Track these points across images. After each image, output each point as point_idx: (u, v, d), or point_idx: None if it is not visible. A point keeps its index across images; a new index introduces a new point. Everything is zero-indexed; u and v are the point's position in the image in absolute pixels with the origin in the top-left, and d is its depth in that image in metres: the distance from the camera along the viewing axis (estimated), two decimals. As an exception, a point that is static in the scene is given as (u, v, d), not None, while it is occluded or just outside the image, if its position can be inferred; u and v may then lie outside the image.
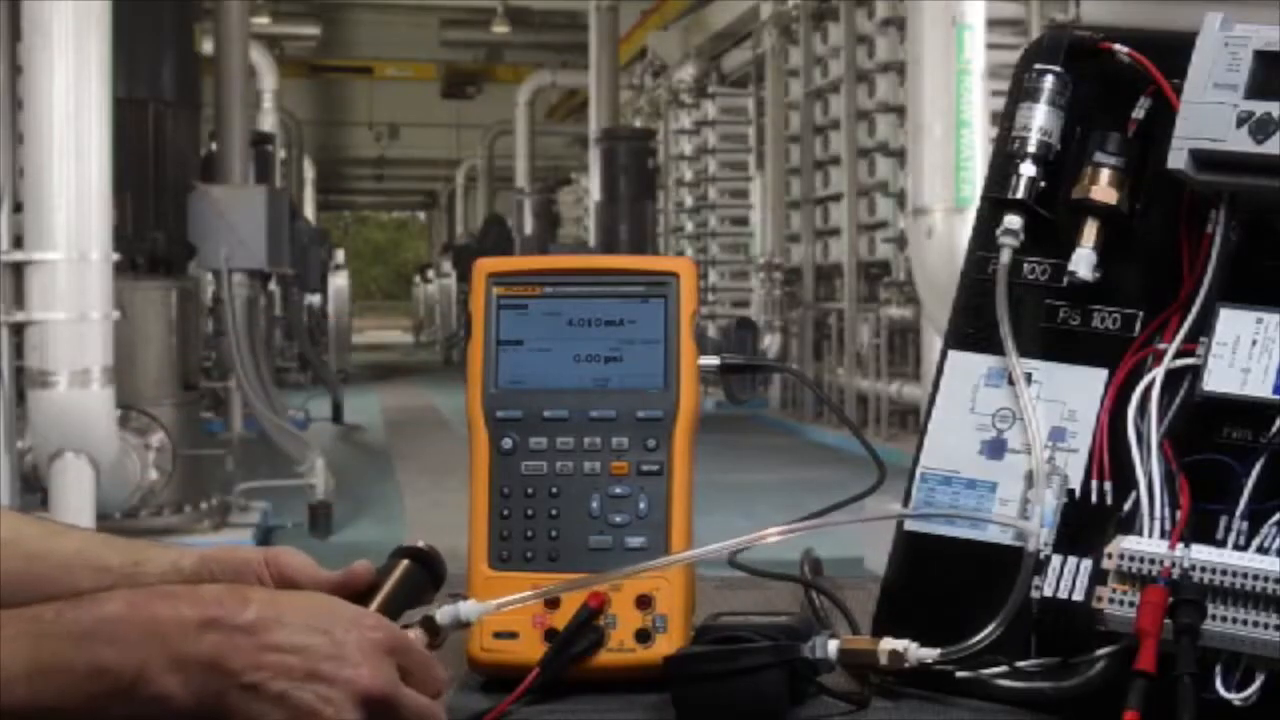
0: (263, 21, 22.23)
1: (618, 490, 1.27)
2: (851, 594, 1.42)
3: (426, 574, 1.20)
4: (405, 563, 1.19)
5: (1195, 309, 1.18)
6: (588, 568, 1.24)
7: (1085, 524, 1.18)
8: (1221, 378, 1.15)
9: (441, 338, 29.18)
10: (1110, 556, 1.13)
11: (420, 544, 1.22)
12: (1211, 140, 1.16)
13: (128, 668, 1.00)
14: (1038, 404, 1.23)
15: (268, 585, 1.16)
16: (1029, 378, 1.24)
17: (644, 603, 1.24)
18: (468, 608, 1.17)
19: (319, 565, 1.18)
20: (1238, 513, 1.12)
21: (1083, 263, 1.22)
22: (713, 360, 1.31)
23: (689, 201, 19.19)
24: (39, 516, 1.27)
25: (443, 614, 1.17)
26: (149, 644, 1.00)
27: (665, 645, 1.23)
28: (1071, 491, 1.20)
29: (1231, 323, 1.16)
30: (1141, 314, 1.22)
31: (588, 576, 1.23)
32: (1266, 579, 1.07)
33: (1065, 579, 1.17)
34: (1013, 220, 1.25)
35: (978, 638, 1.17)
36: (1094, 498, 1.19)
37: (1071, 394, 1.23)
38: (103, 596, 1.03)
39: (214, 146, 11.08)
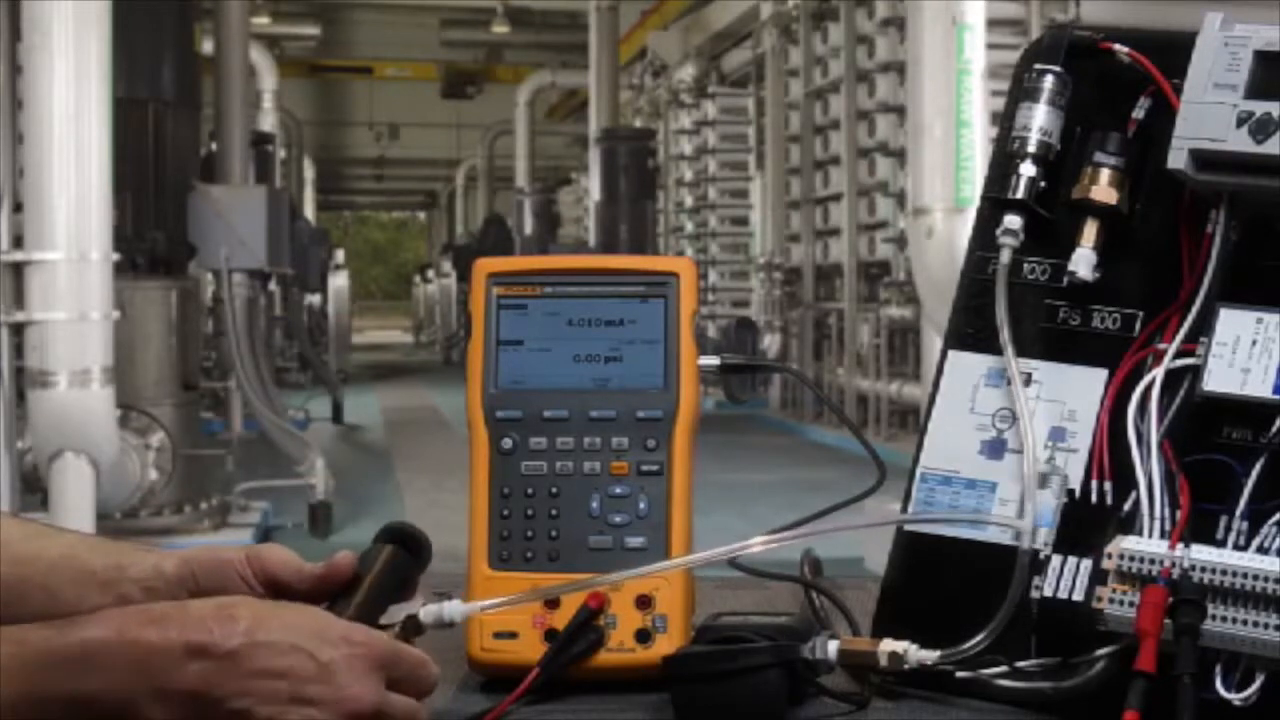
0: (263, 21, 22.24)
1: (618, 490, 1.27)
2: (851, 594, 1.42)
3: (411, 557, 1.19)
4: (388, 549, 1.19)
5: (1195, 309, 1.18)
6: (588, 568, 1.24)
7: (1085, 524, 1.18)
8: (1221, 378, 1.15)
9: (441, 338, 29.19)
10: (1110, 556, 1.13)
11: (404, 524, 1.22)
12: (1211, 140, 1.16)
13: (114, 697, 1.00)
14: (1038, 404, 1.23)
15: (251, 584, 1.15)
16: (1029, 378, 1.24)
17: (644, 603, 1.24)
18: (451, 608, 1.17)
19: (303, 560, 1.18)
20: (1238, 513, 1.12)
21: (1083, 263, 1.22)
22: (713, 360, 1.31)
23: (689, 201, 19.19)
24: (24, 518, 1.27)
25: (426, 613, 1.17)
26: (135, 673, 1.00)
27: (665, 645, 1.23)
28: (1071, 491, 1.20)
29: (1231, 323, 1.16)
30: (1141, 314, 1.22)
31: (577, 580, 1.23)
32: (1266, 579, 1.07)
33: (1065, 579, 1.17)
34: (1013, 220, 1.25)
35: (974, 640, 1.17)
36: (1094, 498, 1.19)
37: (1071, 394, 1.23)
38: (92, 619, 1.03)
39: (214, 146, 11.08)
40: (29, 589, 1.15)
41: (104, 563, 1.18)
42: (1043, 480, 1.20)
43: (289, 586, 1.16)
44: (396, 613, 1.17)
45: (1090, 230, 1.23)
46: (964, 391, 1.27)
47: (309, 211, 27.66)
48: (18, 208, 7.17)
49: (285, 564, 1.17)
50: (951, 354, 1.28)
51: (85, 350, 6.87)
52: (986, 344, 1.26)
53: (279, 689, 1.01)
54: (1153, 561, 1.11)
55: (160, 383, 8.57)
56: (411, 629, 1.16)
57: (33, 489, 7.11)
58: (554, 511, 1.27)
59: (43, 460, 6.92)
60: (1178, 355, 1.18)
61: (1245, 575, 1.08)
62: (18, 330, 6.95)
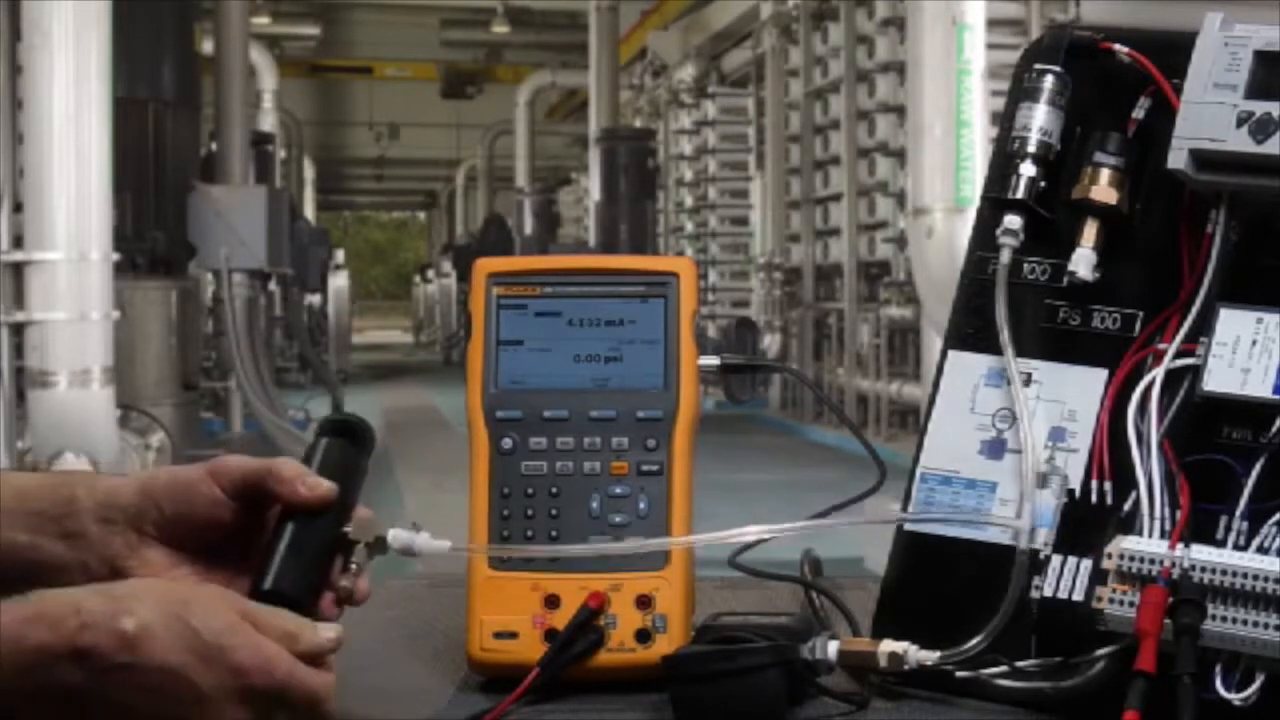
0: (263, 21, 22.27)
1: (618, 490, 1.27)
2: (851, 594, 1.42)
3: (353, 446, 1.18)
4: (324, 442, 1.17)
5: (1195, 309, 1.18)
6: (588, 567, 1.24)
7: (1085, 524, 1.18)
8: (1221, 378, 1.15)
9: (441, 338, 29.20)
10: (1110, 556, 1.13)
11: (344, 415, 1.20)
12: (1211, 140, 1.16)
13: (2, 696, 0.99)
14: (1038, 404, 1.23)
15: (218, 501, 1.13)
16: (1029, 378, 1.24)
17: (644, 603, 1.24)
18: (422, 541, 1.17)
19: (263, 461, 1.15)
20: (1238, 513, 1.12)
21: (1083, 263, 1.22)
22: (713, 360, 1.31)
23: (689, 201, 19.20)
24: None
25: (395, 537, 1.16)
26: (21, 673, 0.98)
27: (665, 645, 1.23)
28: (1071, 491, 1.20)
29: (1231, 323, 1.16)
30: (1141, 314, 1.22)
31: (573, 548, 1.23)
32: (1266, 579, 1.07)
33: (1065, 579, 1.17)
34: (1013, 220, 1.25)
35: (973, 642, 1.17)
36: (1094, 498, 1.19)
37: (1071, 394, 1.22)
38: None
39: (214, 146, 11.10)
40: None
41: (54, 498, 1.15)
42: (1043, 480, 1.20)
43: (262, 489, 1.13)
44: (365, 529, 1.15)
45: (1090, 230, 1.23)
46: (964, 391, 1.27)
47: (309, 211, 27.68)
48: (18, 208, 7.18)
49: (247, 471, 1.14)
50: (951, 354, 1.28)
51: (85, 350, 6.88)
52: (986, 344, 1.26)
53: (147, 709, 0.99)
54: (1153, 561, 1.11)
55: (160, 383, 8.58)
56: (377, 549, 1.16)
57: (33, 489, 7.11)
58: (554, 512, 1.27)
59: (43, 460, 6.93)
60: (1178, 355, 1.18)
61: (1245, 575, 1.08)
62: (18, 330, 6.96)
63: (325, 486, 1.14)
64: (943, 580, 1.23)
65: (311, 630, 1.06)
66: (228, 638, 1.02)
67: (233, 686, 1.01)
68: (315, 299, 20.03)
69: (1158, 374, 1.18)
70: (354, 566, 1.15)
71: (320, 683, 1.05)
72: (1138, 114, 1.25)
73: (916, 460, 1.27)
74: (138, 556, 1.14)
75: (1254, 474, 1.13)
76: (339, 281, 21.58)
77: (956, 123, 8.44)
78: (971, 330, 1.28)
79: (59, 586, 1.15)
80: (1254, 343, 1.15)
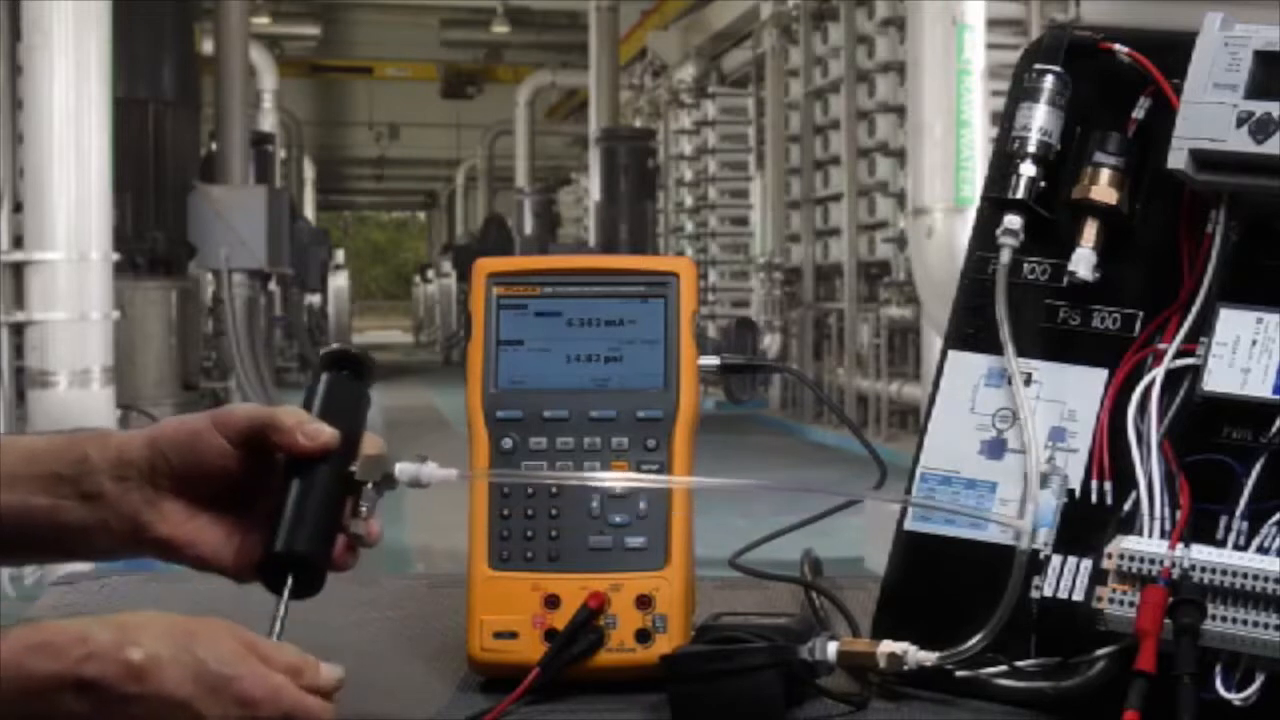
0: (263, 21, 22.28)
1: (618, 490, 1.27)
2: (851, 594, 1.42)
3: (354, 378, 1.18)
4: (326, 377, 1.17)
5: (1195, 309, 1.18)
6: (588, 568, 1.24)
7: (1085, 524, 1.18)
8: (1221, 378, 1.15)
9: (441, 338, 29.20)
10: (1110, 556, 1.13)
11: (343, 346, 1.21)
12: (1211, 140, 1.16)
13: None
14: (1037, 404, 1.23)
15: (225, 451, 1.13)
16: (1029, 378, 1.24)
17: (644, 603, 1.24)
18: (429, 471, 1.18)
19: (270, 409, 1.15)
20: (1238, 513, 1.12)
21: (1083, 263, 1.22)
22: (713, 360, 1.31)
23: (689, 201, 19.20)
24: None
25: (402, 470, 1.17)
26: (24, 699, 0.98)
27: (665, 645, 1.23)
28: (1071, 491, 1.20)
29: (1231, 323, 1.16)
30: (1141, 314, 1.22)
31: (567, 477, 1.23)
32: (1266, 579, 1.07)
33: (1065, 579, 1.17)
34: (1013, 220, 1.25)
35: (972, 642, 1.17)
36: (1094, 498, 1.19)
37: (1071, 394, 1.22)
38: None
39: (214, 146, 11.10)
40: None
41: (67, 459, 1.15)
42: (1043, 480, 1.20)
43: (265, 437, 1.14)
44: (372, 469, 1.15)
45: (1090, 230, 1.23)
46: (964, 391, 1.26)
47: (309, 211, 27.68)
48: (18, 208, 7.19)
49: (250, 419, 1.14)
50: (951, 354, 1.28)
51: (85, 350, 6.89)
52: (987, 344, 1.26)
53: None
54: (1153, 561, 1.11)
55: (160, 383, 8.58)
56: (386, 485, 1.16)
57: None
58: (554, 511, 1.27)
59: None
60: (1178, 355, 1.18)
61: (1245, 575, 1.08)
62: (18, 330, 6.96)
63: (326, 434, 1.14)
64: (943, 580, 1.23)
65: (317, 665, 1.06)
66: (234, 668, 1.01)
67: (238, 717, 1.01)
68: (315, 299, 20.04)
69: (1158, 374, 1.18)
70: (364, 509, 1.15)
71: (325, 714, 1.05)
72: (1138, 114, 1.25)
73: (916, 460, 1.27)
74: (156, 511, 1.14)
75: (1254, 474, 1.13)
76: (339, 281, 21.61)
77: (956, 123, 8.45)
78: (971, 330, 1.28)
79: (83, 548, 1.17)
80: (1254, 343, 1.15)
